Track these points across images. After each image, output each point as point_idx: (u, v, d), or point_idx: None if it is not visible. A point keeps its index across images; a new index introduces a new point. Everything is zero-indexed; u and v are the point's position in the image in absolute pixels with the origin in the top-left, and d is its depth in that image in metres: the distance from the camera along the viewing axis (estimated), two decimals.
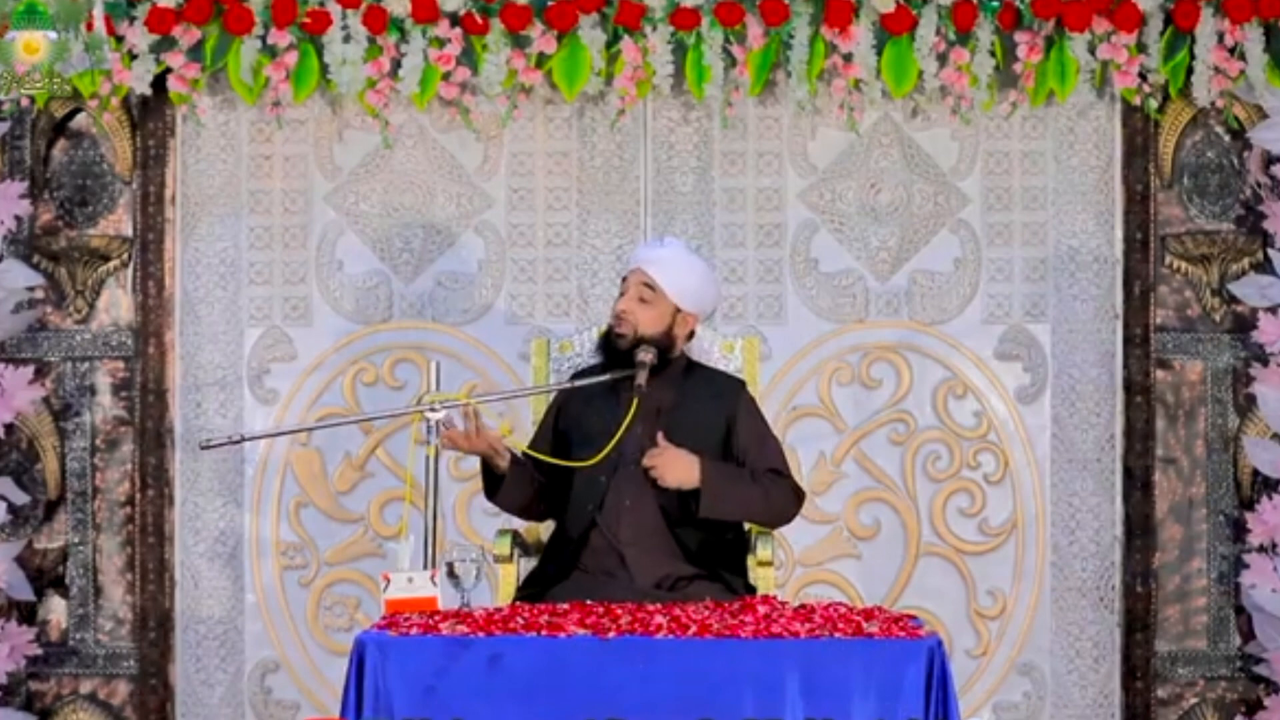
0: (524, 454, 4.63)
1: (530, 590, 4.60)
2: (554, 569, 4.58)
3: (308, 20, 5.59)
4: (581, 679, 3.72)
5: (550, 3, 5.58)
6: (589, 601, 4.14)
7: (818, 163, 5.84)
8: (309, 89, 5.65)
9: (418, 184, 5.86)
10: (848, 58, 5.57)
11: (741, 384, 4.76)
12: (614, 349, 4.60)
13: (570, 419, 4.70)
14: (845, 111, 5.63)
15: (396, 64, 5.61)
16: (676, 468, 4.45)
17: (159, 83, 5.68)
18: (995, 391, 5.82)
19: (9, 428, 5.79)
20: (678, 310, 4.62)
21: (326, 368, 5.86)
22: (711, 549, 4.58)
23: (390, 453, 5.84)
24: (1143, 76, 5.62)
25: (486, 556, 4.44)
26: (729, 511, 4.54)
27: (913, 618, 3.91)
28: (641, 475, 4.51)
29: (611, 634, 3.78)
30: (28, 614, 5.85)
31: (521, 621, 3.86)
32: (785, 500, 4.62)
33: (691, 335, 4.72)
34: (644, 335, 4.57)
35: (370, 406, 5.80)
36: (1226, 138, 5.80)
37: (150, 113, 5.81)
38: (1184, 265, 5.79)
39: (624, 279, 4.65)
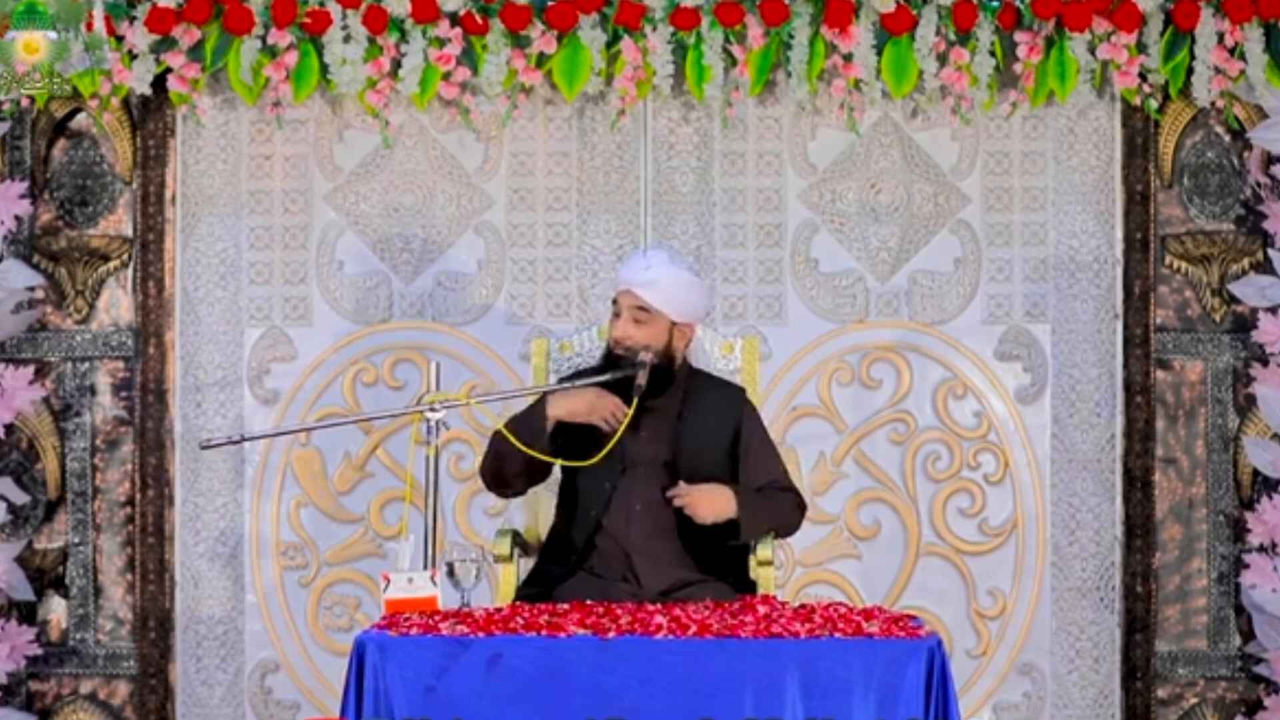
0: (524, 453, 4.62)
1: (532, 590, 4.60)
2: (558, 570, 4.59)
3: (308, 20, 5.59)
4: (581, 679, 3.72)
5: (550, 3, 5.58)
6: (590, 601, 4.15)
7: (818, 163, 5.84)
8: (309, 89, 5.65)
9: (418, 184, 5.86)
10: (848, 58, 5.57)
11: (743, 391, 4.81)
12: (618, 365, 4.62)
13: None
14: (845, 111, 5.63)
15: (396, 64, 5.61)
16: (713, 503, 4.52)
17: (159, 83, 5.68)
18: (995, 391, 5.82)
19: (9, 428, 5.79)
20: (674, 324, 4.64)
21: (326, 368, 5.86)
22: (719, 552, 4.60)
23: (390, 453, 5.84)
24: (1143, 76, 5.62)
25: (486, 556, 4.44)
26: (760, 533, 4.62)
27: (913, 618, 3.91)
28: (652, 479, 4.57)
29: (611, 634, 3.78)
30: (28, 614, 5.85)
31: (521, 621, 3.86)
32: (792, 514, 4.71)
33: (689, 343, 4.74)
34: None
35: (370, 406, 5.80)
36: (1226, 138, 5.80)
37: (150, 113, 5.81)
38: (1184, 265, 5.80)
39: (614, 300, 4.67)
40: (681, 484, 4.52)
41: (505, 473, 4.67)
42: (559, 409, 4.57)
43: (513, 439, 4.54)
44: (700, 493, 4.52)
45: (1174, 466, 5.80)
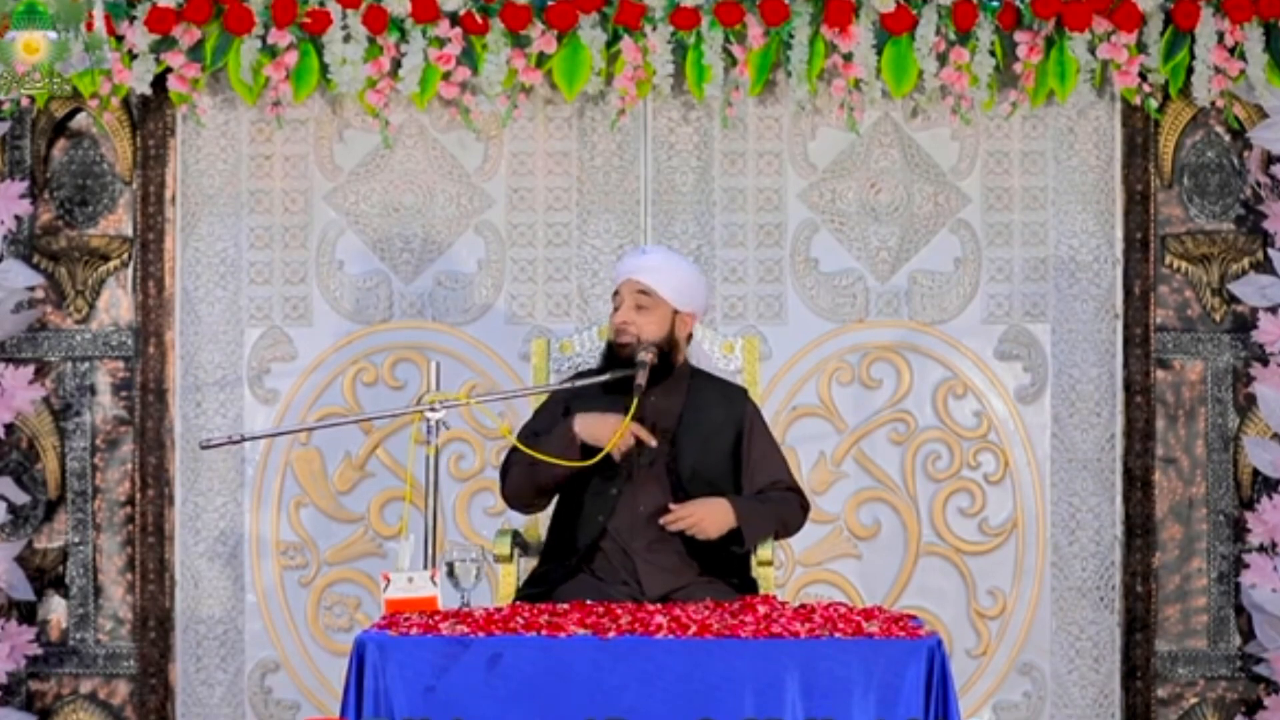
0: (524, 452, 4.61)
1: (533, 590, 4.60)
2: (559, 571, 4.59)
3: (308, 20, 5.59)
4: (581, 679, 3.72)
5: (550, 3, 5.58)
6: (590, 601, 4.15)
7: (818, 163, 5.84)
8: (309, 89, 5.65)
9: (418, 184, 5.86)
10: (848, 58, 5.57)
11: (745, 392, 4.81)
12: (619, 359, 4.61)
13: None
14: (845, 111, 5.63)
15: (396, 64, 5.61)
16: (714, 518, 4.50)
17: (159, 83, 5.68)
18: (995, 391, 5.82)
19: (9, 428, 5.79)
20: (676, 312, 4.64)
21: (326, 368, 5.86)
22: (722, 555, 4.60)
23: (390, 453, 5.84)
24: (1143, 76, 5.63)
25: (486, 556, 4.44)
26: (763, 538, 4.61)
27: (913, 618, 3.91)
28: (656, 483, 4.58)
29: (611, 634, 3.78)
30: (28, 614, 5.85)
31: (521, 621, 3.86)
32: (795, 515, 4.70)
33: (690, 337, 4.73)
34: (648, 341, 4.60)
35: (370, 406, 5.80)
36: (1226, 138, 5.80)
37: (150, 113, 5.81)
38: (1184, 265, 5.80)
39: (615, 293, 4.67)
40: (672, 506, 4.51)
41: (542, 488, 4.65)
42: (585, 431, 4.55)
43: (539, 454, 4.51)
44: (701, 511, 4.50)
45: (1174, 466, 5.80)
